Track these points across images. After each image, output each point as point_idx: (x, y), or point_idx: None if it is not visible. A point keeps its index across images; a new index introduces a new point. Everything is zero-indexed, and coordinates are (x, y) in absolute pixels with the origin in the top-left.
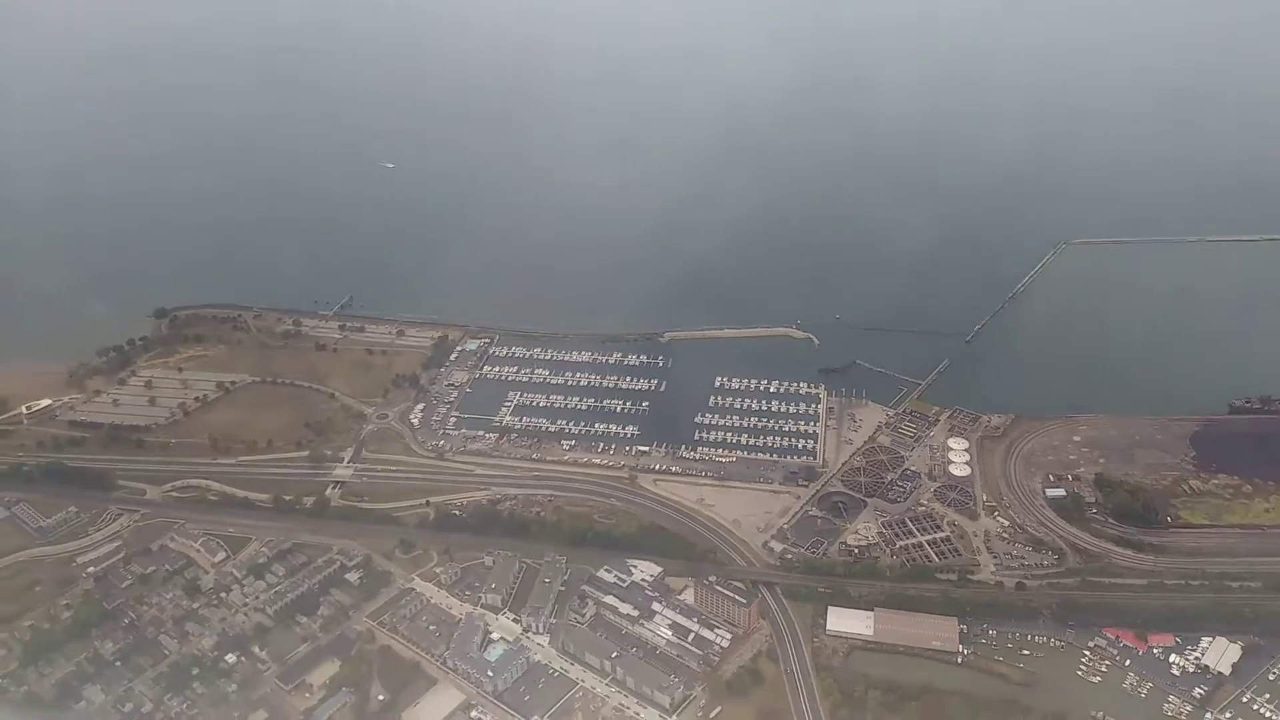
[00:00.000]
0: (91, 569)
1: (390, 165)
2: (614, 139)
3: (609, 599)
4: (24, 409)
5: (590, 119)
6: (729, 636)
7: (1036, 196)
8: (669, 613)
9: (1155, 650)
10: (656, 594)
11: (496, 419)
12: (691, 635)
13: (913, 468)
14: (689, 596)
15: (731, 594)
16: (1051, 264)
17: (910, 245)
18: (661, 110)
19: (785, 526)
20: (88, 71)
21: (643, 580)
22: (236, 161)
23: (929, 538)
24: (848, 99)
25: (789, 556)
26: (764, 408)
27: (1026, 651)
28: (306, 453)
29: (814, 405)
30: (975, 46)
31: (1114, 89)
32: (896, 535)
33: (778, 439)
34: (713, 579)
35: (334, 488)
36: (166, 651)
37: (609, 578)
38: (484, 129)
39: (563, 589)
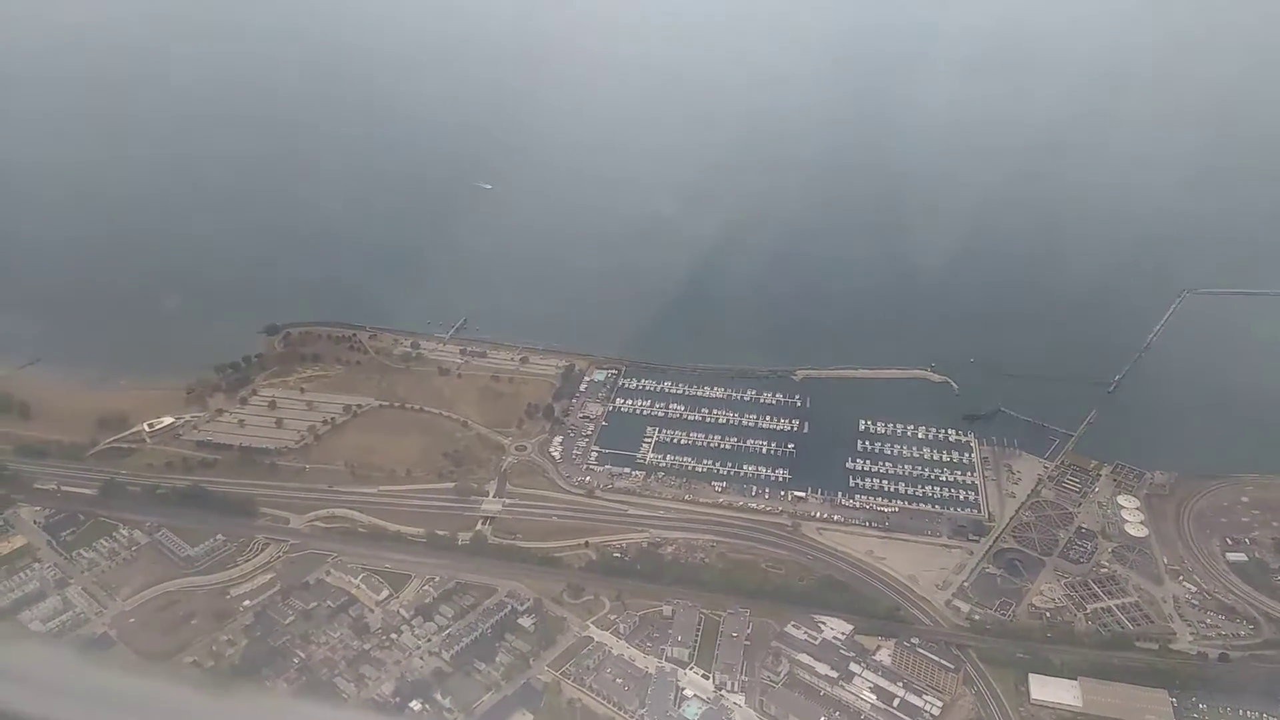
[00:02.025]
0: (248, 602)
1: (487, 186)
2: (714, 165)
3: (802, 657)
4: (145, 426)
5: (694, 149)
6: (939, 704)
7: (1150, 243)
8: (869, 675)
9: None
10: (852, 654)
11: (639, 456)
12: (897, 700)
13: (1085, 525)
14: (883, 657)
15: (937, 658)
16: (1178, 314)
17: (1032, 288)
18: (763, 138)
19: (966, 585)
20: (170, 88)
21: (834, 638)
22: (329, 178)
23: (1117, 602)
24: (960, 137)
25: (977, 617)
26: (916, 454)
27: None
28: (450, 484)
29: (966, 454)
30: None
31: (1227, 136)
32: (1084, 598)
33: (937, 489)
34: (915, 641)
35: (485, 523)
36: (345, 695)
37: (798, 634)
38: (573, 152)
39: (748, 644)
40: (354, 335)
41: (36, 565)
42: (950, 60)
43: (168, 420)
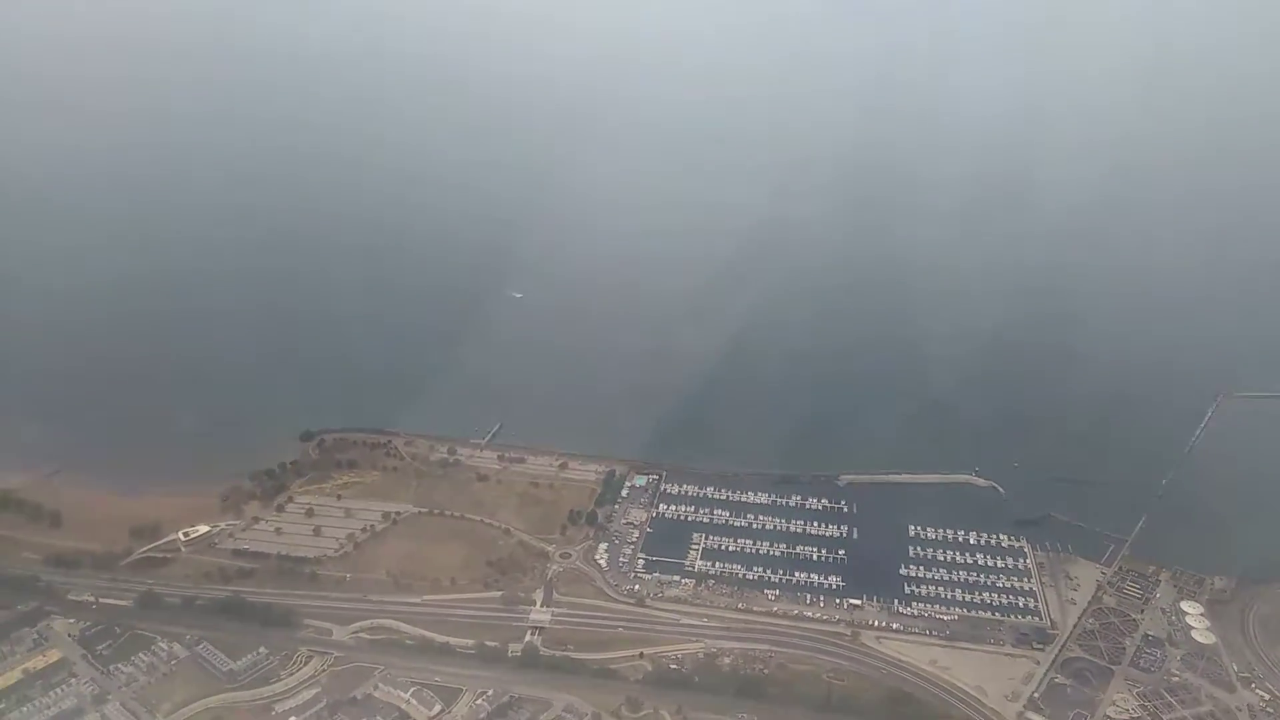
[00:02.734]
0: (295, 719)
1: (518, 295)
2: (730, 271)
3: None
4: (180, 535)
5: (707, 256)
6: None
7: (1178, 344)
8: None
9: None
10: None
11: (687, 563)
12: None
13: (1151, 633)
14: None
15: None
16: (1216, 417)
17: (1065, 390)
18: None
19: (1036, 696)
20: (186, 189)
21: None
22: (355, 281)
23: (1192, 712)
24: (1001, 235)
25: None
26: (969, 561)
27: None
28: (497, 593)
29: (1020, 560)
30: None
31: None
32: (1159, 709)
33: (994, 595)
34: None
35: (535, 634)
36: None
37: None
38: (593, 258)
39: None
40: (389, 441)
41: (73, 680)
42: (954, 168)
43: (203, 529)
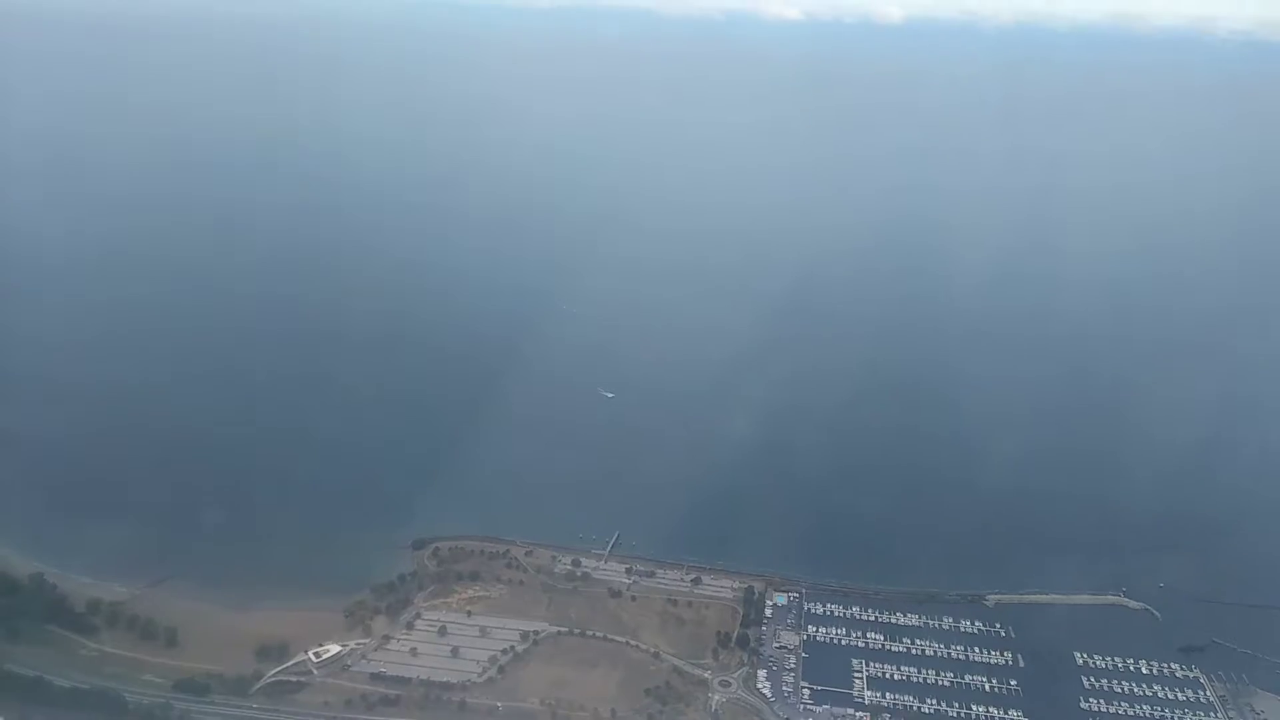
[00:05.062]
0: None
1: (610, 395)
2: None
3: None
4: (310, 656)
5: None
6: None
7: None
8: None
9: None
10: None
11: (855, 693)
12: None
13: None
14: None
15: None
16: None
17: (1196, 504)
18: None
19: None
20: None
21: None
22: (438, 383)
23: None
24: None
25: None
26: (1148, 693)
27: None
28: None
29: (1199, 692)
30: None
31: None
32: None
33: None
34: None
35: None
36: None
37: None
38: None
39: None
40: (508, 551)
41: None
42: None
43: (333, 648)
